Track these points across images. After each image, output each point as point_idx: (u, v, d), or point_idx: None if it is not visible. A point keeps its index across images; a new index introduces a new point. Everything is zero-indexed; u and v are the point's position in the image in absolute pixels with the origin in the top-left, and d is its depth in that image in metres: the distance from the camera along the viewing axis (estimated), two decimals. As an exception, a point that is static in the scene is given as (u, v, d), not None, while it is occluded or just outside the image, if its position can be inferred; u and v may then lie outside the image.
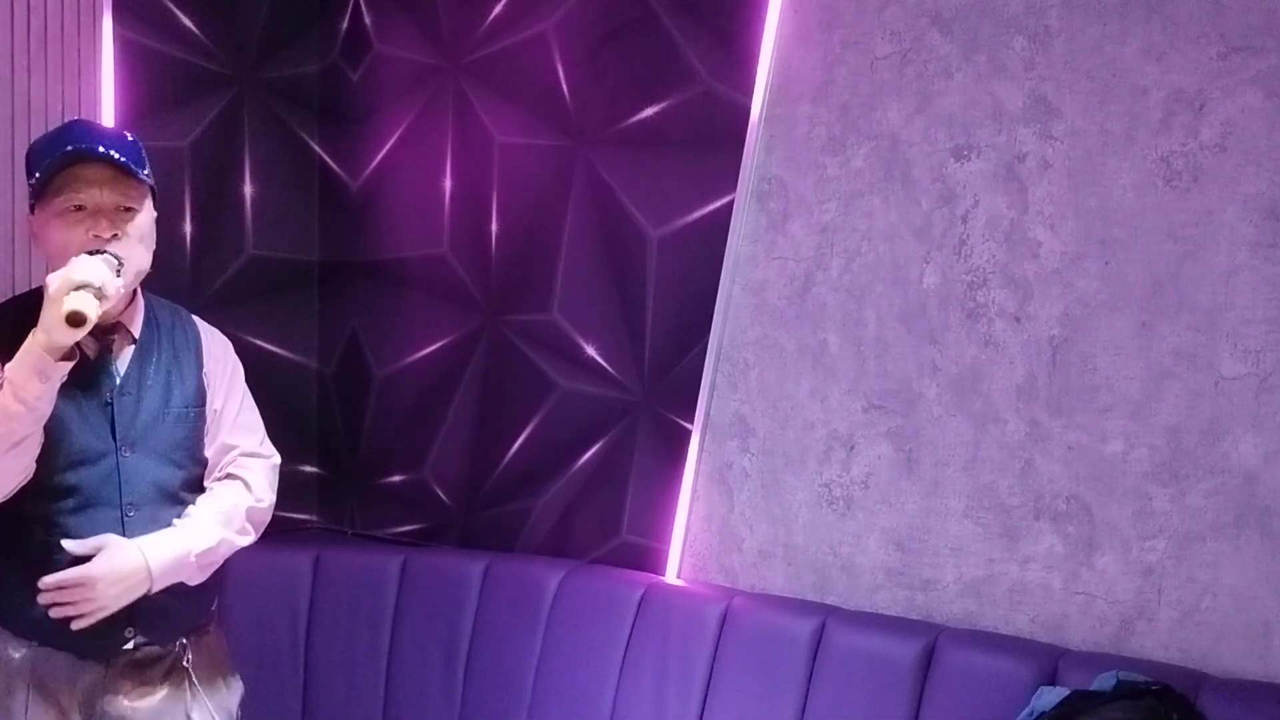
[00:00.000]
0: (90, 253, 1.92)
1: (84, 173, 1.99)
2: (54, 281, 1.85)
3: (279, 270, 3.32)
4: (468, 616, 2.87)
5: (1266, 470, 2.15)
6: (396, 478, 3.31)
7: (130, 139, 2.10)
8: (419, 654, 2.90)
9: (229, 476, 2.21)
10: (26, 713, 2.04)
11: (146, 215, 2.07)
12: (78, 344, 1.90)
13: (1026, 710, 2.08)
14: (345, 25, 3.35)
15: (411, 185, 3.25)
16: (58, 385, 1.90)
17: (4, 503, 2.02)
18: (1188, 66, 2.22)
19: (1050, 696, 2.06)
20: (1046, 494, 2.37)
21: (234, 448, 2.21)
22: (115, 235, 1.99)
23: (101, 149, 2.00)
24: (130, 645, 2.09)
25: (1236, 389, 2.18)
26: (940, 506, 2.49)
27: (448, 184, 3.18)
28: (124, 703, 2.09)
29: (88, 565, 1.97)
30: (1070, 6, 2.34)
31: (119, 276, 1.92)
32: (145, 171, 2.06)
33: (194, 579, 2.11)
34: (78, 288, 1.83)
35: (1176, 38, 2.23)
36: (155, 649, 2.13)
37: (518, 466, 3.08)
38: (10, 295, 2.58)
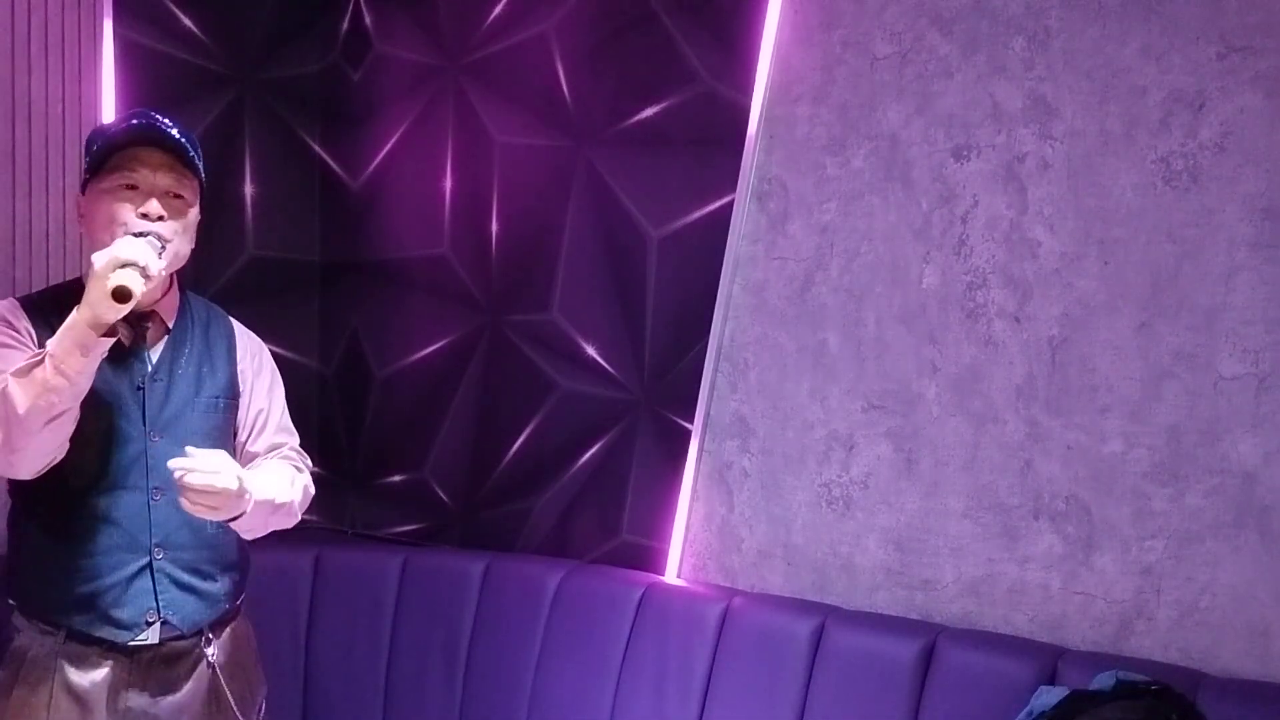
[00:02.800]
0: (135, 235, 1.96)
1: (143, 155, 2.03)
2: (100, 259, 1.89)
3: (279, 270, 3.33)
4: (468, 616, 2.87)
5: (1266, 470, 2.15)
6: (396, 478, 3.31)
7: (192, 135, 2.13)
8: (419, 654, 2.90)
9: (284, 458, 2.24)
10: (49, 710, 2.04)
11: (194, 209, 2.11)
12: (114, 328, 1.93)
13: (1026, 710, 2.07)
14: (345, 25, 3.35)
15: (412, 185, 3.25)
16: (97, 362, 1.93)
17: (34, 486, 2.03)
18: (1187, 66, 2.22)
19: (1049, 696, 2.05)
20: (1045, 494, 2.37)
21: (283, 444, 2.26)
22: (162, 217, 2.03)
23: (163, 127, 2.04)
24: (149, 637, 2.09)
25: (1236, 389, 2.18)
26: (940, 506, 2.49)
27: (448, 184, 3.18)
28: (147, 699, 2.10)
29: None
30: (1070, 6, 2.34)
31: (160, 259, 1.96)
32: (200, 165, 2.10)
33: (255, 529, 2.11)
34: (123, 265, 1.87)
35: (1176, 38, 2.23)
36: (180, 644, 2.13)
37: (518, 466, 3.08)
38: (10, 295, 2.60)
